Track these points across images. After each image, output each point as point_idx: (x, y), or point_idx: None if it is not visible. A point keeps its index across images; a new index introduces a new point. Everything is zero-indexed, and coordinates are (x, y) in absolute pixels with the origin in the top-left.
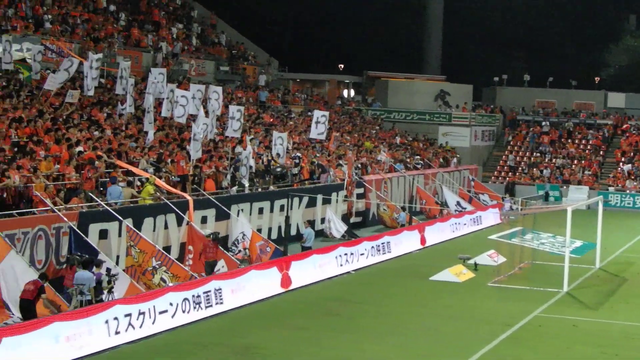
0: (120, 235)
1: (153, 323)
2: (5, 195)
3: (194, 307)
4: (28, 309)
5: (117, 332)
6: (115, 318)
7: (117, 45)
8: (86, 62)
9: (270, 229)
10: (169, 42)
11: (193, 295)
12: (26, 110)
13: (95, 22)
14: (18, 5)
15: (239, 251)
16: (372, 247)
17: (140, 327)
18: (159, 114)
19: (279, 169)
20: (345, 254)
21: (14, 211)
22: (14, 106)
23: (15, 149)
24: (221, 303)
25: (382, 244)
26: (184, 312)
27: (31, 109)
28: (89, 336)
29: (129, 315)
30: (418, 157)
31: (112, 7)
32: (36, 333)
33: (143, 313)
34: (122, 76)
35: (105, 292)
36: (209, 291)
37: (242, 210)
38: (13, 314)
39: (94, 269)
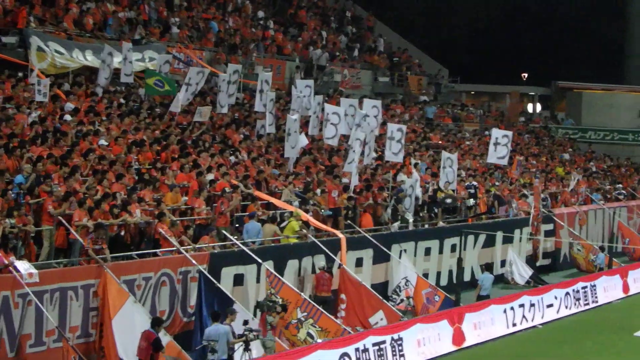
0: (258, 280)
1: None
2: (123, 233)
3: None
4: None
5: None
6: None
7: (255, 53)
8: (223, 74)
9: (439, 274)
10: (317, 49)
11: (346, 354)
12: (148, 131)
13: (232, 26)
14: (140, 7)
15: (401, 300)
16: (564, 295)
17: None
18: (306, 134)
19: (448, 200)
20: (531, 304)
21: (134, 252)
22: (135, 127)
23: (136, 178)
24: None
25: (576, 291)
26: None
27: (154, 130)
28: None
29: None
30: (620, 185)
31: (261, 14)
32: None
33: None
34: (262, 90)
35: (240, 348)
36: (366, 349)
37: (405, 250)
38: None
39: (226, 320)
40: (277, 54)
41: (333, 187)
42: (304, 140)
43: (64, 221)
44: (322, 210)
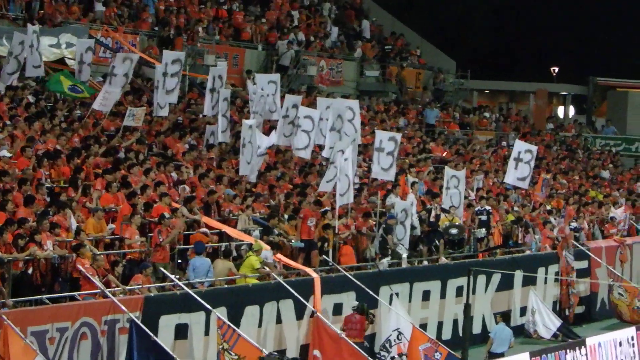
0: (207, 333)
1: None
2: (31, 271)
3: None
4: None
5: None
6: None
7: (201, 35)
8: (159, 64)
9: (440, 325)
10: (286, 32)
11: None
12: (63, 138)
13: (174, 3)
14: None
15: (392, 358)
16: (601, 353)
17: None
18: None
19: (453, 230)
20: None
21: (45, 296)
22: (44, 131)
23: (48, 199)
24: None
25: (616, 348)
26: None
27: (72, 137)
28: None
29: None
30: None
31: None
32: None
33: None
34: (213, 88)
35: None
36: None
37: (397, 294)
38: None
39: None
40: (233, 39)
41: (311, 214)
42: (268, 141)
43: None
44: (292, 242)
